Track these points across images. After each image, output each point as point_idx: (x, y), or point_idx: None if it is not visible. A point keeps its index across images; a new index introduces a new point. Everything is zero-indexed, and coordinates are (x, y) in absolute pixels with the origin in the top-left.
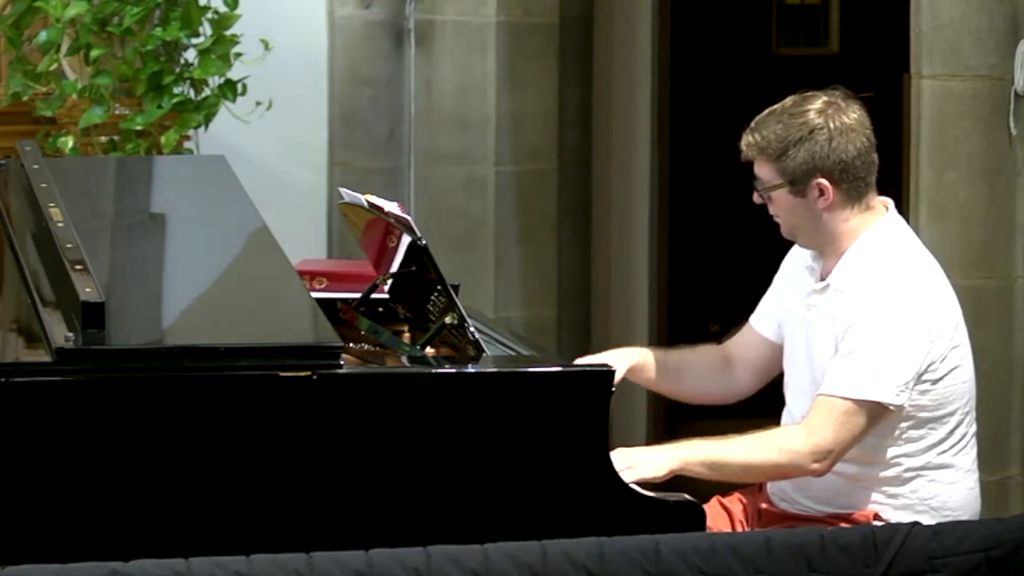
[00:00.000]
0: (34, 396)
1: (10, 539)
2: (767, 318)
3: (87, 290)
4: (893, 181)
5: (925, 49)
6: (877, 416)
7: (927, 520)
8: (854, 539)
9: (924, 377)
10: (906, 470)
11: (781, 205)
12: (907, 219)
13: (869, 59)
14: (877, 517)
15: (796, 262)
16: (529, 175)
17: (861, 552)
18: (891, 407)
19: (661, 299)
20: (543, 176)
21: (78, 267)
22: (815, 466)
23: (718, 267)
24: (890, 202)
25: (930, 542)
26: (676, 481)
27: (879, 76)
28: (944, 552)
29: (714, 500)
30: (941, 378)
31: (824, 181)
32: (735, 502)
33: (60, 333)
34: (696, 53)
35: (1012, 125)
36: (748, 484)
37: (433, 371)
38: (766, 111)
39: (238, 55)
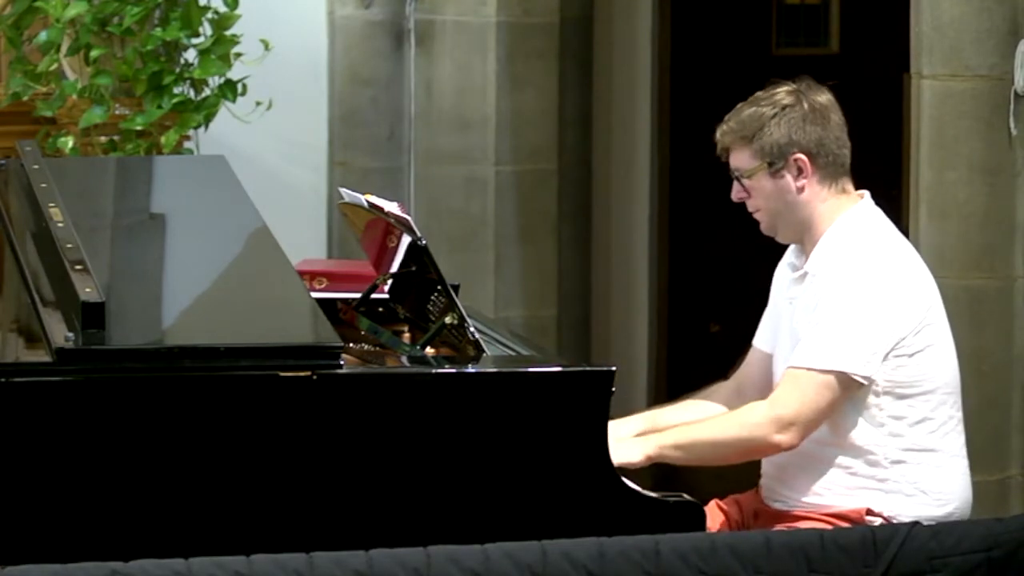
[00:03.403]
0: (34, 396)
1: (10, 539)
2: (767, 334)
3: (87, 290)
4: (893, 181)
5: (925, 49)
6: (844, 388)
7: (919, 503)
8: (854, 539)
9: (898, 352)
10: (892, 451)
11: (761, 191)
12: (907, 219)
13: (869, 59)
14: (871, 512)
15: (781, 266)
16: (529, 175)
17: (861, 552)
18: (857, 377)
19: (661, 299)
20: (543, 176)
21: (78, 267)
22: (778, 438)
23: (718, 267)
24: (866, 193)
25: (930, 542)
26: (676, 481)
27: (879, 76)
28: (944, 552)
29: (712, 503)
30: (915, 354)
31: (802, 156)
32: (732, 504)
33: (60, 333)
34: (696, 53)
35: (1012, 125)
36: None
37: (433, 371)
38: (736, 107)
39: (238, 55)
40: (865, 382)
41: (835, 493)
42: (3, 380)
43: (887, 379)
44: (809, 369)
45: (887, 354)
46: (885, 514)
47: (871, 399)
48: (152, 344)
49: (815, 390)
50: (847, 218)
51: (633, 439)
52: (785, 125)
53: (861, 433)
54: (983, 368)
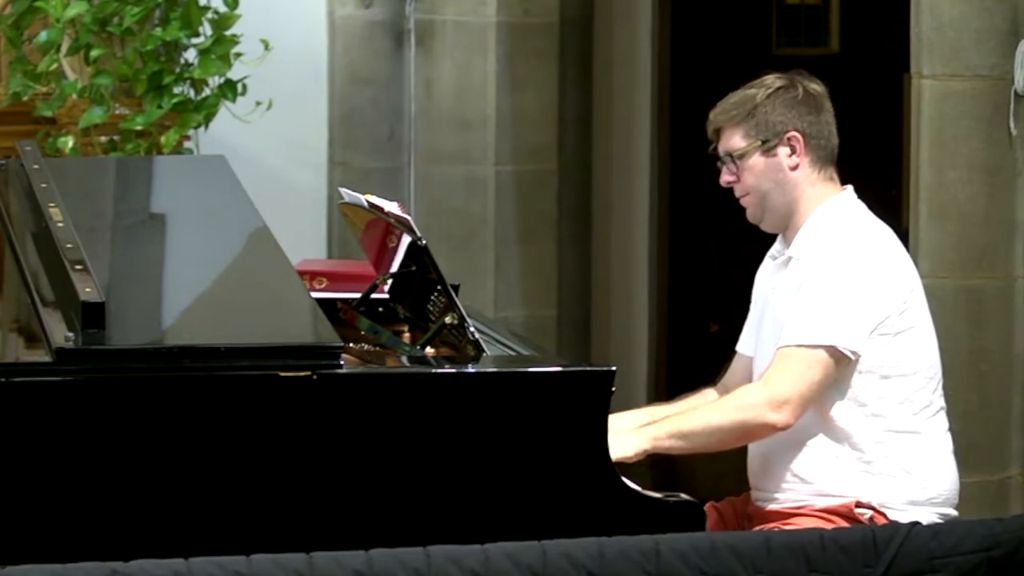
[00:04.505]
0: (34, 396)
1: (10, 539)
2: (750, 339)
3: (87, 290)
4: (893, 181)
5: (925, 49)
6: (834, 363)
7: (904, 485)
8: (854, 539)
9: (882, 331)
10: (875, 432)
11: (752, 171)
12: (907, 219)
13: (869, 59)
14: (860, 504)
15: (762, 265)
16: (529, 175)
17: (861, 552)
18: (846, 352)
19: (661, 299)
20: (543, 176)
21: (78, 267)
22: (774, 417)
23: (718, 267)
24: (850, 186)
25: (930, 542)
26: (676, 481)
27: (879, 76)
28: (944, 552)
29: (708, 505)
30: (898, 334)
31: (796, 134)
32: (727, 506)
33: (60, 333)
34: (696, 53)
35: (1012, 125)
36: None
37: (433, 371)
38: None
39: (238, 55)
40: (853, 356)
41: (821, 479)
42: (3, 380)
43: (870, 358)
44: (799, 346)
45: (872, 331)
46: (874, 503)
47: (854, 379)
48: (152, 344)
49: (807, 366)
50: (831, 205)
51: (626, 432)
52: (781, 105)
53: (843, 414)
54: (983, 368)
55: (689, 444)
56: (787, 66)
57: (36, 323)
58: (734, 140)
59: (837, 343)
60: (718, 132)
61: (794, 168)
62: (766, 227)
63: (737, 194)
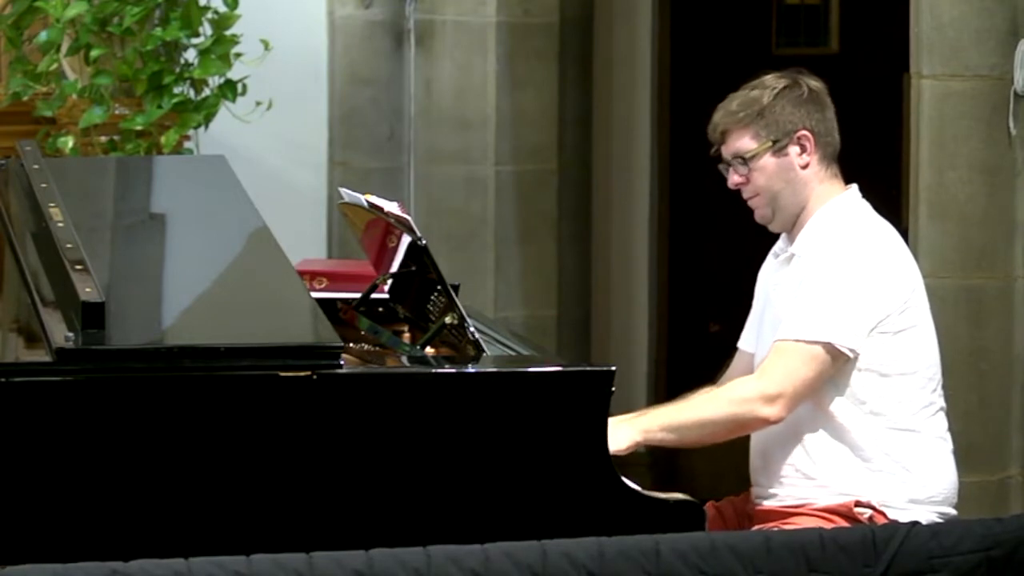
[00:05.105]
0: (34, 396)
1: (10, 539)
2: (751, 336)
3: (87, 290)
4: (893, 181)
5: (925, 49)
6: (830, 359)
7: (903, 483)
8: (854, 539)
9: (882, 329)
10: (874, 430)
11: (763, 172)
12: (907, 219)
13: (869, 59)
14: (859, 504)
15: (765, 263)
16: (529, 175)
17: (861, 552)
18: (843, 348)
19: (661, 299)
20: (543, 176)
21: (78, 267)
22: (766, 411)
23: (718, 267)
24: (855, 184)
25: (930, 542)
26: (676, 481)
27: (879, 76)
28: (944, 552)
29: (709, 505)
30: (898, 332)
31: (806, 133)
32: (727, 506)
33: (60, 333)
34: (696, 53)
35: (1012, 125)
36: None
37: (433, 371)
38: (727, 98)
39: (238, 55)
40: (851, 354)
41: (822, 474)
42: (3, 380)
43: (869, 356)
44: (796, 341)
45: (872, 329)
46: (874, 502)
47: (853, 377)
48: (152, 344)
49: (802, 361)
50: (836, 203)
51: (616, 424)
52: (789, 104)
53: (842, 411)
54: (983, 368)
55: (680, 437)
56: (787, 66)
57: (36, 323)
58: (743, 142)
59: (834, 340)
60: (724, 135)
61: (805, 167)
62: (775, 227)
63: (746, 196)
